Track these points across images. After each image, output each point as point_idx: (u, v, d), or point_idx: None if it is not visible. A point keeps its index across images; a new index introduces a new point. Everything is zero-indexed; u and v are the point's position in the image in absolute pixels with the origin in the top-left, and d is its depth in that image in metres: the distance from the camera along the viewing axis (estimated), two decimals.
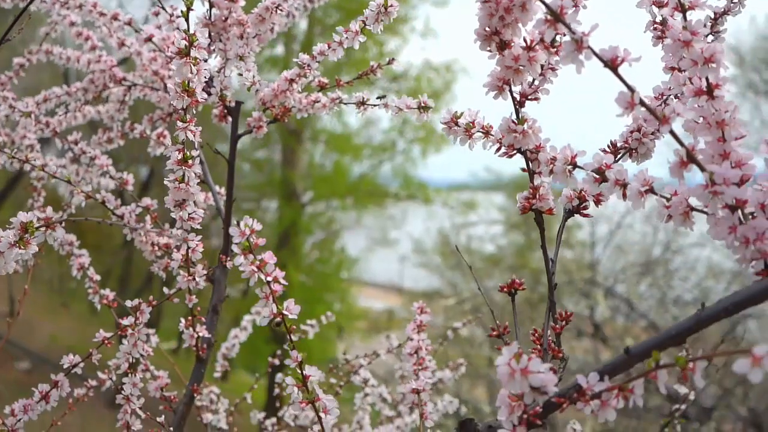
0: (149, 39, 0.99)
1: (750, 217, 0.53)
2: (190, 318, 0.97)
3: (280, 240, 10.78)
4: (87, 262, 1.13)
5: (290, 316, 0.64)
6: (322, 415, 0.66)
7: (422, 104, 0.86)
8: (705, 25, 0.61)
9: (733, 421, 6.11)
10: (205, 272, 0.91)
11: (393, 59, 1.03)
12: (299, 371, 0.66)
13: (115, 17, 1.09)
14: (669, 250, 6.58)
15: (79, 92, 1.20)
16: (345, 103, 0.98)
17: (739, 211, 0.54)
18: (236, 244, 0.62)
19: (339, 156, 11.48)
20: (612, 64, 0.52)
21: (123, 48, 1.14)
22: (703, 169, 0.52)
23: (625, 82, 0.52)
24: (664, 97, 0.72)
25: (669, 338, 0.51)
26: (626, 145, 0.71)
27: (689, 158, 0.52)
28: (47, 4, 1.13)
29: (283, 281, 0.63)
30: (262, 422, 1.37)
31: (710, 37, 0.75)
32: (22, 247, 0.68)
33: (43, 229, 0.67)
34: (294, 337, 0.67)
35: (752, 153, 0.56)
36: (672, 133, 0.52)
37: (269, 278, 0.63)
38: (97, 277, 1.12)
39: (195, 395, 1.01)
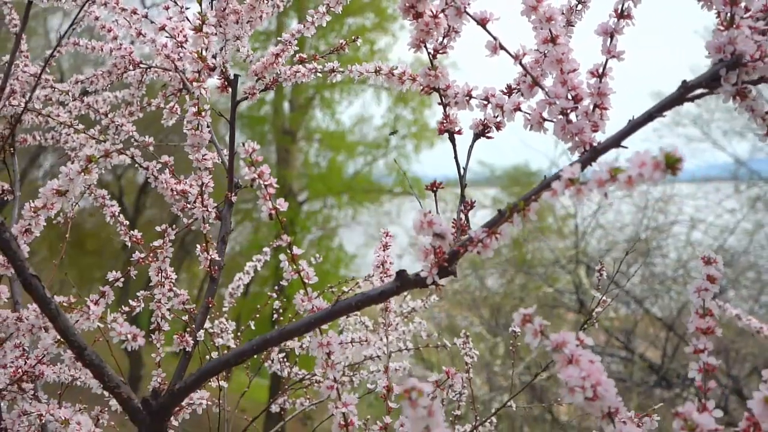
0: (162, 28, 1.26)
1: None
2: (204, 244, 1.25)
3: (278, 239, 11.02)
4: (117, 211, 1.40)
5: (281, 209, 0.92)
6: (305, 280, 0.93)
7: (377, 68, 1.13)
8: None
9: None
10: (215, 205, 1.19)
11: (357, 37, 1.30)
12: (289, 251, 0.94)
13: (134, 12, 1.36)
14: (650, 228, 6.88)
15: (104, 75, 1.47)
16: (320, 72, 1.25)
17: (574, 116, 0.82)
18: (242, 158, 0.89)
19: (333, 154, 11.75)
20: (482, 22, 0.79)
21: (140, 37, 1.41)
22: (543, 89, 0.80)
23: (491, 34, 0.80)
24: None
25: (530, 195, 0.78)
26: (518, 87, 0.98)
27: (534, 83, 0.80)
28: (77, 2, 1.40)
29: (275, 185, 0.91)
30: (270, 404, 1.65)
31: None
32: (86, 173, 0.95)
33: (103, 159, 0.94)
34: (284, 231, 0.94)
35: (583, 80, 0.83)
36: (522, 65, 0.80)
37: (266, 183, 0.90)
38: (127, 222, 1.39)
39: (210, 306, 1.28)
